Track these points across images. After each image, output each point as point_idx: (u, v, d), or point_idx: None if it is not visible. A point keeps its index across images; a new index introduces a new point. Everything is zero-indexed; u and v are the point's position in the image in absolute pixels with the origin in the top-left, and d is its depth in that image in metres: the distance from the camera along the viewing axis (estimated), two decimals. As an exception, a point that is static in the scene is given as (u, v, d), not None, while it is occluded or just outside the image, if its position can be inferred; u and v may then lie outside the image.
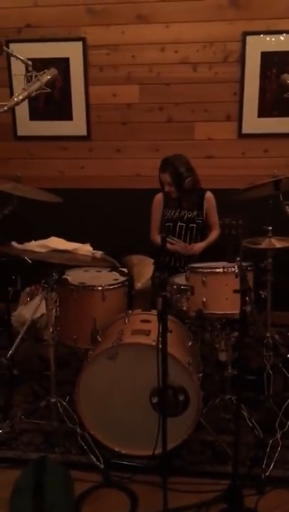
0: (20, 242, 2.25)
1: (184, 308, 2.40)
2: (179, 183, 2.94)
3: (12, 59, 3.36)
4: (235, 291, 1.70)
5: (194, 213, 3.03)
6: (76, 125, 3.63)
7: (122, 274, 2.77)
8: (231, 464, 2.00)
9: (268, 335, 2.76)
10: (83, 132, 3.64)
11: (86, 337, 2.47)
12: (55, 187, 3.14)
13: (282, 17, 3.26)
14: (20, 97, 2.06)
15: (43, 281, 2.22)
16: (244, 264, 2.02)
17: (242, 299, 1.67)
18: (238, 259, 1.84)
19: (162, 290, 1.80)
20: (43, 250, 2.15)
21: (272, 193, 2.17)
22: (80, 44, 3.47)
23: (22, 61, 2.13)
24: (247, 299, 1.66)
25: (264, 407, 2.53)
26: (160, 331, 1.83)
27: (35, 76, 2.12)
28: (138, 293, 3.06)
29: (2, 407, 2.61)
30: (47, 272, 2.21)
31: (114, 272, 2.78)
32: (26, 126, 3.68)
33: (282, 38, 3.29)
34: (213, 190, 3.13)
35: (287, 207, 2.09)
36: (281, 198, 2.13)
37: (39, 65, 3.29)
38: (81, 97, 3.56)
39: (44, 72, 2.15)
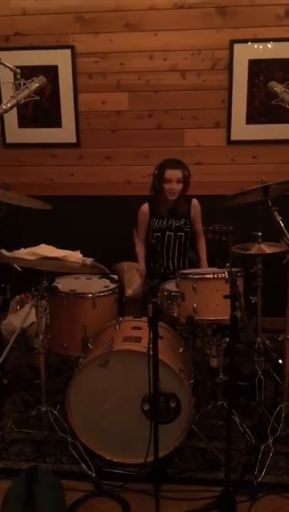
0: (10, 250, 2.23)
1: (175, 314, 2.40)
2: (186, 182, 2.94)
3: (0, 67, 3.36)
4: (225, 297, 1.71)
5: (182, 222, 3.02)
6: (65, 132, 3.63)
7: (112, 281, 2.76)
8: (223, 470, 2.00)
9: (259, 340, 2.77)
10: (73, 139, 3.64)
11: (77, 345, 2.45)
12: (44, 194, 3.12)
13: (269, 25, 3.30)
14: (9, 105, 2.06)
15: (33, 288, 2.19)
16: (234, 269, 2.03)
17: (232, 305, 1.67)
18: (227, 265, 1.85)
19: (153, 297, 1.80)
20: (33, 258, 2.13)
21: (261, 199, 2.18)
22: (68, 52, 3.47)
23: (10, 69, 2.13)
24: (237, 304, 1.66)
25: (256, 413, 2.53)
26: (151, 337, 1.83)
27: (24, 84, 2.12)
28: (129, 300, 3.04)
29: (-8, 417, 2.59)
30: (37, 280, 2.19)
31: (104, 279, 2.77)
32: (15, 133, 3.67)
33: (269, 45, 3.32)
34: (202, 197, 3.14)
35: (275, 213, 2.10)
36: (270, 204, 2.13)
37: (28, 72, 3.33)
38: (70, 104, 3.56)
39: (32, 80, 2.15)
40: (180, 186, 2.93)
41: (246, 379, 2.76)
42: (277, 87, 2.13)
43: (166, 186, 2.92)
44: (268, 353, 2.82)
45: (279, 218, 2.12)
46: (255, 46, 3.33)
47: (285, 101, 2.09)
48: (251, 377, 2.71)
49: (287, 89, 2.08)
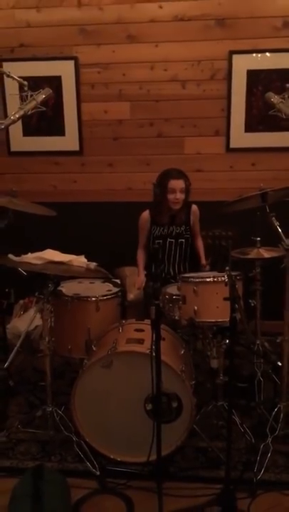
0: (17, 255, 2.31)
1: (176, 317, 2.47)
2: (188, 191, 3.02)
3: (6, 78, 3.45)
4: (225, 299, 1.78)
5: (182, 228, 3.10)
6: (69, 141, 3.72)
7: (115, 285, 2.83)
8: (224, 468, 2.06)
9: (258, 342, 2.84)
10: (76, 147, 3.73)
11: (80, 347, 2.52)
12: (48, 201, 3.20)
13: (267, 36, 3.39)
14: (17, 116, 2.15)
15: (38, 292, 2.27)
16: (233, 273, 2.11)
17: (232, 307, 1.74)
18: (227, 268, 1.92)
19: (155, 299, 1.87)
20: (39, 262, 2.21)
21: (260, 205, 2.26)
22: (72, 63, 3.56)
23: (18, 82, 2.21)
24: (237, 306, 1.73)
25: (255, 413, 2.59)
26: (153, 338, 1.90)
27: (31, 95, 2.20)
28: (131, 304, 3.12)
29: (-2, 419, 2.65)
30: (43, 284, 2.26)
31: (107, 283, 2.84)
32: (20, 142, 3.76)
33: (268, 54, 3.41)
34: (202, 203, 3.22)
35: (273, 218, 2.17)
36: (268, 210, 2.21)
37: (32, 83, 3.39)
38: (73, 113, 3.65)
39: (39, 92, 2.24)
40: (183, 196, 3.00)
41: (246, 380, 2.81)
42: (274, 98, 2.21)
43: (171, 196, 2.98)
44: (267, 355, 2.88)
45: (277, 224, 2.19)
46: (254, 55, 3.41)
47: (281, 111, 2.17)
48: (251, 379, 2.77)
49: (283, 100, 2.16)
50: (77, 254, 2.55)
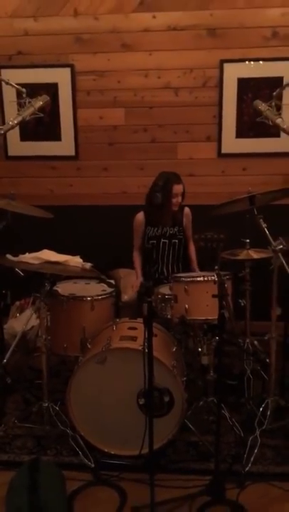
0: (15, 255, 2.40)
1: (168, 316, 2.57)
2: (184, 195, 3.14)
3: (4, 85, 3.54)
4: (213, 296, 1.87)
5: (176, 229, 3.20)
6: (65, 146, 3.80)
7: (109, 285, 2.92)
8: (214, 460, 2.15)
9: (248, 341, 2.93)
10: (72, 152, 3.82)
11: (76, 345, 2.60)
12: (45, 204, 3.28)
13: (256, 46, 3.51)
14: (15, 121, 2.24)
15: (35, 291, 2.35)
16: (223, 273, 2.21)
17: (220, 304, 1.83)
18: (216, 267, 2.02)
19: (147, 297, 1.96)
20: (36, 262, 2.30)
21: (248, 208, 2.36)
22: (68, 70, 3.66)
23: (17, 89, 2.30)
24: (224, 303, 1.82)
25: (244, 409, 2.67)
26: (145, 334, 1.99)
27: (29, 102, 2.29)
28: (125, 305, 3.21)
29: (-4, 415, 2.72)
30: (40, 283, 2.35)
31: (102, 284, 2.93)
32: (17, 146, 3.84)
33: (261, 62, 3.51)
34: (194, 206, 3.31)
35: (261, 220, 2.27)
36: (256, 213, 2.31)
37: (29, 90, 3.48)
38: (69, 119, 3.74)
39: (37, 99, 2.32)
40: (181, 199, 3.13)
41: (236, 378, 2.90)
42: (262, 106, 2.31)
43: (174, 200, 3.11)
44: (256, 354, 2.97)
45: (264, 225, 2.29)
46: (246, 62, 3.52)
47: (268, 118, 2.28)
48: (241, 377, 2.87)
49: (270, 108, 2.26)
50: (74, 255, 2.64)
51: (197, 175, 3.76)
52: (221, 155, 3.73)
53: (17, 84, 3.55)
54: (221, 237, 3.19)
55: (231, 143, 3.69)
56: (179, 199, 3.13)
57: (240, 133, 3.65)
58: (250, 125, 3.60)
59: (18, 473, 2.12)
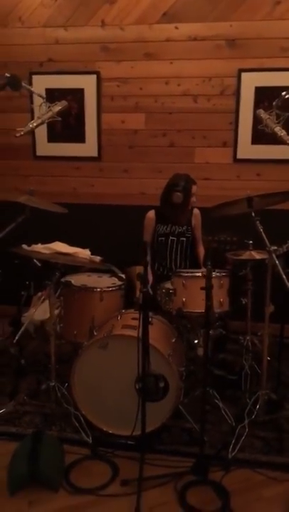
0: (30, 245, 2.63)
1: (171, 309, 2.73)
2: (188, 193, 3.30)
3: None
4: (201, 288, 2.03)
5: (184, 228, 3.35)
6: (88, 147, 4.03)
7: (120, 279, 3.10)
8: (205, 446, 2.30)
9: (248, 338, 3.06)
10: (95, 154, 4.03)
11: (85, 332, 2.78)
12: (68, 202, 3.51)
13: (274, 56, 3.62)
14: (35, 124, 2.46)
15: (47, 279, 2.56)
16: (221, 271, 2.37)
17: (206, 295, 1.99)
18: (208, 263, 2.17)
19: (144, 286, 2.14)
20: (47, 252, 2.52)
21: (246, 210, 2.49)
22: (94, 77, 3.88)
23: (37, 95, 2.53)
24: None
25: (240, 402, 2.80)
26: (141, 322, 2.16)
27: (48, 107, 2.51)
28: (138, 301, 3.38)
29: (9, 393, 2.94)
30: (51, 272, 2.56)
31: (114, 278, 3.11)
32: (44, 147, 4.10)
33: (277, 73, 3.63)
34: (206, 209, 3.44)
35: (257, 223, 2.40)
36: (253, 215, 2.44)
37: (58, 94, 3.79)
38: (94, 122, 3.96)
39: (55, 104, 2.54)
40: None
41: (236, 374, 3.03)
42: (263, 114, 2.45)
43: (192, 199, 3.36)
44: (254, 351, 3.08)
45: (260, 227, 2.42)
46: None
47: (268, 127, 2.41)
48: (240, 372, 2.99)
49: (270, 116, 2.39)
50: (93, 251, 2.84)
51: (213, 179, 3.90)
52: (236, 160, 3.86)
53: (47, 88, 3.87)
54: (234, 239, 3.37)
55: (247, 149, 3.81)
56: (194, 198, 3.32)
57: (256, 139, 3.77)
58: (266, 132, 3.66)
59: (21, 443, 2.33)
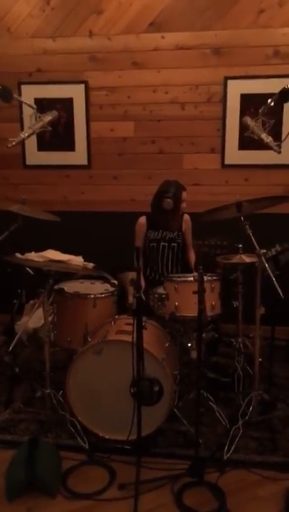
0: (23, 254, 2.65)
1: (164, 314, 2.77)
2: (178, 199, 3.34)
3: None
4: (194, 292, 2.07)
5: (175, 234, 3.40)
6: (78, 156, 4.06)
7: (113, 285, 3.13)
8: (200, 448, 2.33)
9: (240, 340, 3.10)
10: (84, 162, 4.07)
11: (79, 339, 2.80)
12: (58, 210, 3.53)
13: (259, 64, 3.71)
14: (26, 134, 2.50)
15: (40, 287, 2.59)
16: (212, 275, 2.41)
17: (199, 298, 2.03)
18: (200, 267, 2.22)
19: (136, 292, 2.18)
20: (41, 260, 2.54)
21: (236, 215, 2.54)
22: (82, 86, 3.93)
23: (28, 105, 2.57)
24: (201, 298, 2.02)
25: (234, 404, 2.84)
26: (135, 327, 2.20)
27: (39, 117, 2.55)
28: (131, 306, 3.41)
29: (4, 401, 2.94)
30: (44, 279, 2.59)
31: (106, 284, 3.13)
32: (34, 156, 4.12)
33: (262, 80, 3.71)
34: (199, 214, 3.49)
35: (247, 227, 2.46)
36: (242, 219, 2.50)
37: (47, 103, 3.83)
38: (83, 131, 4.01)
39: (46, 114, 2.58)
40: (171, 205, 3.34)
41: (229, 376, 3.07)
42: (250, 121, 2.52)
43: (182, 205, 3.39)
44: (246, 353, 3.13)
45: (250, 231, 2.47)
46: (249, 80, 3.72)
47: (254, 133, 2.48)
48: (233, 374, 3.04)
49: (256, 123, 2.46)
50: (85, 258, 2.86)
51: (202, 184, 3.96)
52: (224, 166, 3.93)
53: (36, 98, 3.90)
54: (224, 243, 3.42)
55: (234, 154, 3.88)
56: (184, 204, 3.37)
57: (243, 145, 3.83)
58: (253, 138, 3.74)
59: (18, 451, 2.34)
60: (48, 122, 2.57)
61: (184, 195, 3.37)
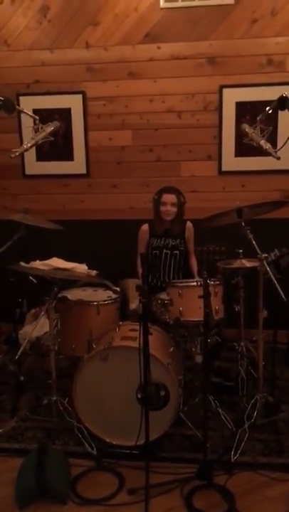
0: (27, 263, 2.68)
1: (168, 320, 2.80)
2: (181, 206, 3.37)
3: (23, 115, 3.86)
4: (199, 297, 2.11)
5: (177, 241, 3.44)
6: (77, 165, 4.11)
7: (115, 292, 3.16)
8: (207, 451, 2.35)
9: (242, 344, 3.14)
10: (83, 171, 4.11)
11: (83, 346, 2.82)
12: (58, 219, 3.55)
13: (253, 72, 3.79)
14: (29, 145, 2.54)
15: (45, 295, 2.62)
16: (214, 280, 2.45)
17: (204, 303, 2.07)
18: (204, 272, 2.26)
19: (143, 297, 2.21)
20: (46, 268, 2.57)
21: (236, 220, 2.59)
22: (80, 96, 3.98)
23: (30, 116, 2.61)
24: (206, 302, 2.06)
25: (238, 407, 2.87)
26: (141, 331, 2.22)
27: (41, 127, 2.59)
28: (132, 313, 3.44)
29: (10, 410, 2.95)
30: (49, 287, 2.61)
31: (108, 291, 3.17)
32: (33, 166, 4.16)
33: (256, 88, 3.78)
34: (197, 221, 3.54)
35: (248, 231, 2.50)
36: (243, 224, 2.55)
37: (45, 114, 3.87)
38: (81, 140, 4.05)
39: (48, 125, 2.63)
40: (175, 209, 3.36)
41: (233, 380, 3.10)
42: (248, 129, 2.57)
43: (163, 208, 3.36)
44: (249, 356, 3.17)
45: (251, 236, 2.52)
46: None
47: (253, 140, 2.54)
48: (237, 380, 3.06)
49: (254, 131, 2.52)
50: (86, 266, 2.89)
51: (199, 191, 4.01)
52: (221, 172, 3.98)
53: (34, 109, 3.94)
54: (223, 249, 3.47)
55: (231, 161, 3.94)
56: (169, 208, 3.36)
57: (239, 152, 3.90)
58: (248, 145, 3.78)
59: (27, 458, 2.36)
60: (50, 133, 2.61)
61: (166, 197, 3.38)
